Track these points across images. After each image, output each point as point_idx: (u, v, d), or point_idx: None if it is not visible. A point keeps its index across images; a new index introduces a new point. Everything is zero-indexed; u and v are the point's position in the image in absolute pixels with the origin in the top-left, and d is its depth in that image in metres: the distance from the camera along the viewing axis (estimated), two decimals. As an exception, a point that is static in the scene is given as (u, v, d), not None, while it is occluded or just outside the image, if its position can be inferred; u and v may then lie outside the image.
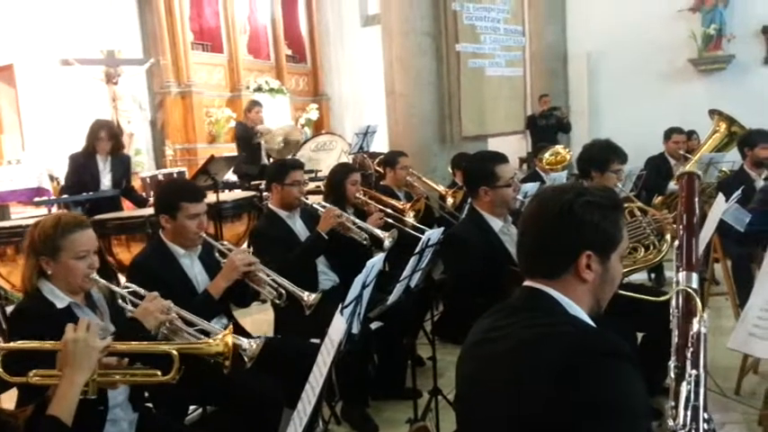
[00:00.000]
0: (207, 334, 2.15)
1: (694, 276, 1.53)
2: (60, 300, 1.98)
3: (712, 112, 5.41)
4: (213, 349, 1.81)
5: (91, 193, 4.77)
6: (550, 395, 1.15)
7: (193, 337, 2.13)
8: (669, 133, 5.87)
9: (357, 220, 3.48)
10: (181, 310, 2.17)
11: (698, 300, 1.44)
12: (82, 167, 4.91)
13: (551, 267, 1.33)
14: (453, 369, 1.44)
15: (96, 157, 4.91)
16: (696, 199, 1.76)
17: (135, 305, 2.12)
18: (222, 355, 1.81)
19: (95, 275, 2.03)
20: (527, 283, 1.37)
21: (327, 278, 3.45)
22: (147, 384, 1.81)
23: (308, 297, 2.64)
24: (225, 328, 2.52)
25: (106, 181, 4.95)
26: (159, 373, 1.75)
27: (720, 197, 2.86)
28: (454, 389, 1.46)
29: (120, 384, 1.85)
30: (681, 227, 1.68)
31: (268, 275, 2.67)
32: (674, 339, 1.41)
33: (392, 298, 2.70)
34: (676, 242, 1.65)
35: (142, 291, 2.16)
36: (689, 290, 1.47)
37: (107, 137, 4.91)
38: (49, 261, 1.97)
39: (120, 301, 2.13)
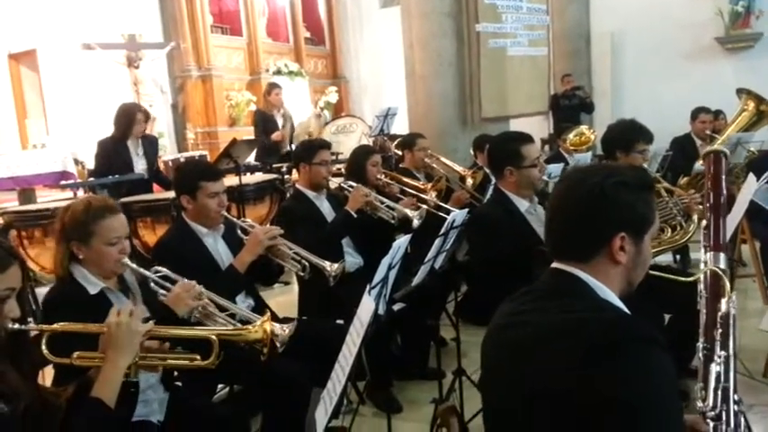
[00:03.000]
0: (236, 317, 2.17)
1: (722, 256, 1.51)
2: (93, 285, 1.99)
3: (740, 91, 5.29)
4: (252, 336, 1.82)
5: (117, 176, 4.74)
6: (581, 380, 1.13)
7: (226, 321, 2.14)
8: (696, 113, 5.77)
9: (385, 200, 3.49)
10: (212, 294, 2.18)
11: (726, 280, 1.42)
12: (113, 153, 4.84)
13: (583, 250, 1.30)
14: (477, 349, 1.43)
15: (127, 142, 4.87)
16: (723, 178, 1.71)
17: (166, 288, 2.14)
18: (260, 342, 1.83)
19: (126, 260, 2.04)
20: (556, 265, 1.34)
21: (353, 260, 3.46)
22: (185, 369, 1.83)
23: (331, 267, 2.71)
24: (251, 309, 2.57)
25: (140, 165, 4.92)
26: (198, 357, 1.77)
27: (751, 177, 2.80)
28: (478, 369, 1.45)
29: (160, 368, 1.88)
30: (708, 207, 1.65)
31: (290, 249, 2.71)
32: (703, 320, 1.40)
33: (417, 279, 2.71)
34: (704, 222, 1.62)
35: (173, 275, 2.18)
36: (717, 270, 1.45)
37: (144, 118, 4.91)
38: (80, 246, 1.96)
39: (152, 284, 2.14)
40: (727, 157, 1.80)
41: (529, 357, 1.24)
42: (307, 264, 2.70)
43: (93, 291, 1.99)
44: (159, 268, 2.20)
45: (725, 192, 1.68)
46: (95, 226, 1.95)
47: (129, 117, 4.86)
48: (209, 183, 2.64)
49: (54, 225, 2.05)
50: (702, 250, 1.56)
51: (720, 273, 1.44)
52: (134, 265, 2.10)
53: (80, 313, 1.74)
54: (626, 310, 1.29)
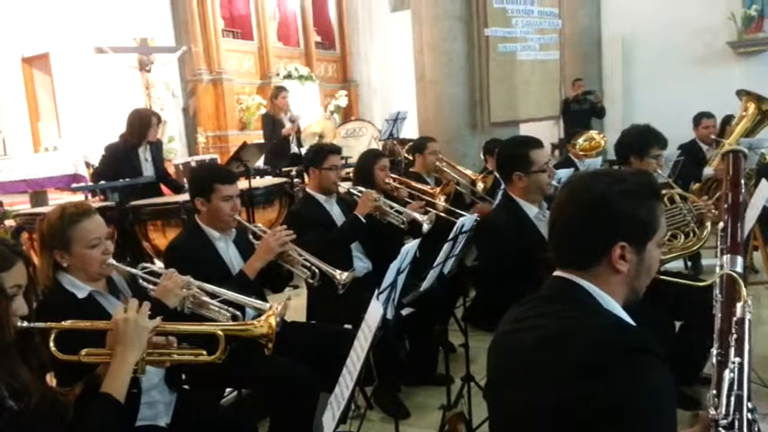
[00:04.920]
0: (231, 304, 2.16)
1: (739, 260, 1.46)
2: (81, 290, 1.98)
3: (740, 93, 5.22)
4: (258, 331, 1.82)
5: (128, 179, 4.78)
6: (576, 389, 1.13)
7: (219, 309, 2.14)
8: (698, 119, 5.73)
9: (394, 204, 3.49)
10: (202, 283, 2.16)
11: (742, 284, 1.38)
12: (123, 158, 4.86)
13: (583, 259, 1.29)
14: (485, 356, 1.42)
15: (138, 148, 4.89)
16: (742, 178, 1.66)
17: (155, 284, 2.12)
18: (266, 337, 1.82)
19: (112, 260, 2.03)
20: (558, 273, 1.34)
21: (361, 264, 3.46)
22: (192, 364, 1.83)
23: (341, 275, 2.69)
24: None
25: (148, 170, 4.95)
26: (205, 352, 1.77)
27: (764, 182, 2.77)
28: (486, 376, 1.45)
29: (167, 363, 1.88)
30: (725, 207, 1.60)
31: (300, 255, 2.70)
32: (717, 325, 1.36)
33: (425, 284, 2.69)
34: (720, 224, 1.58)
35: (160, 269, 2.17)
36: (733, 274, 1.41)
37: (157, 122, 4.94)
38: (62, 254, 1.95)
39: (141, 281, 2.14)
40: (746, 156, 1.76)
41: (530, 364, 1.24)
42: (317, 271, 2.69)
43: (81, 295, 1.98)
44: (146, 264, 2.20)
45: (744, 192, 1.64)
46: (72, 231, 1.94)
47: (145, 122, 4.89)
48: (223, 186, 2.66)
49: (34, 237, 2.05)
50: (719, 253, 1.52)
51: (736, 276, 1.40)
52: (120, 265, 2.09)
53: (71, 318, 1.72)
54: (628, 318, 1.28)
